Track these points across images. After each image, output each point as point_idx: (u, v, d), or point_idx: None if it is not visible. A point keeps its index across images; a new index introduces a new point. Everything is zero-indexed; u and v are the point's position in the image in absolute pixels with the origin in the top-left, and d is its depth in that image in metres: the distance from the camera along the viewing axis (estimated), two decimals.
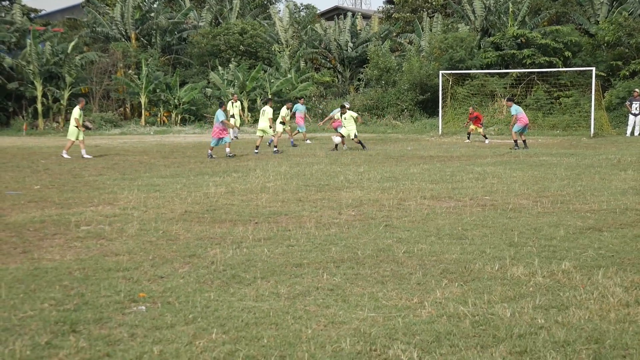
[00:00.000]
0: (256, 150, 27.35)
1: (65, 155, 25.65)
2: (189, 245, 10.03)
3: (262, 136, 28.12)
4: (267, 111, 27.31)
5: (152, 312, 6.92)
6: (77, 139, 26.16)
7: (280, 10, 63.38)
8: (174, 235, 10.78)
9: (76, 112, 26.31)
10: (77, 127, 26.07)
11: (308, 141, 32.81)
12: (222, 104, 26.62)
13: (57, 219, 12.42)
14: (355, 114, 28.55)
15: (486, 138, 32.00)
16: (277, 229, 11.19)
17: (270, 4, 73.03)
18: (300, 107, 33.62)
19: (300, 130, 33.46)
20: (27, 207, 13.88)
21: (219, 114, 25.75)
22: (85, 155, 25.42)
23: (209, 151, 25.54)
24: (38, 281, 8.03)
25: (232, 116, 36.16)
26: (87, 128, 26.47)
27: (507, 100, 31.11)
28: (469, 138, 32.70)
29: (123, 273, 8.41)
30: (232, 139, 35.15)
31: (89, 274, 8.40)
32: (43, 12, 76.20)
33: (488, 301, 7.29)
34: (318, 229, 11.22)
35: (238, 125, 36.39)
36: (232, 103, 36.89)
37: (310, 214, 12.69)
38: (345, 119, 27.83)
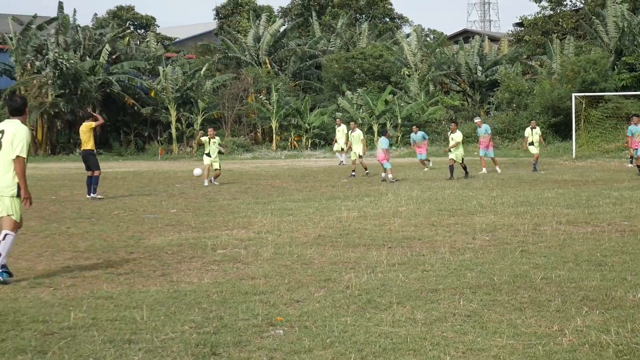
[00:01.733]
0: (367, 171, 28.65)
1: (213, 183, 25.57)
2: (324, 269, 10.07)
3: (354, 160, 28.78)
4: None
5: (289, 336, 6.96)
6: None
7: (408, 35, 63.30)
8: (308, 259, 10.85)
9: (204, 139, 25.86)
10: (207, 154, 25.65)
11: (426, 169, 31.66)
12: (385, 132, 27.11)
13: (194, 242, 12.68)
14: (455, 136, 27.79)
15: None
16: (411, 254, 11.12)
17: (397, 29, 73.16)
18: (415, 136, 32.46)
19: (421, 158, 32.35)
20: (165, 231, 14.23)
21: (383, 141, 25.92)
22: (206, 183, 25.29)
23: (383, 174, 25.77)
24: (178, 304, 8.19)
25: (336, 141, 36.41)
26: (220, 153, 26.68)
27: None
28: (631, 162, 31.14)
29: (260, 297, 8.50)
30: (342, 163, 35.23)
31: (226, 297, 8.52)
32: (177, 40, 78.35)
33: (631, 330, 7.05)
34: (452, 254, 11.10)
35: (341, 149, 36.17)
36: (337, 127, 36.97)
37: (444, 239, 12.58)
38: (452, 138, 27.06)
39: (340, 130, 36.29)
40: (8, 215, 9.51)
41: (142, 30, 79.36)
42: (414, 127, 34.25)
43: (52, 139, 55.24)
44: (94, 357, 6.36)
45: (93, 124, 21.22)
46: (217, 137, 25.97)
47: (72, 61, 52.01)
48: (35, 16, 55.93)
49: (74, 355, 6.42)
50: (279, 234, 13.46)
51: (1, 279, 9.28)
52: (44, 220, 16.02)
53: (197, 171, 26.00)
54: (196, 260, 11.00)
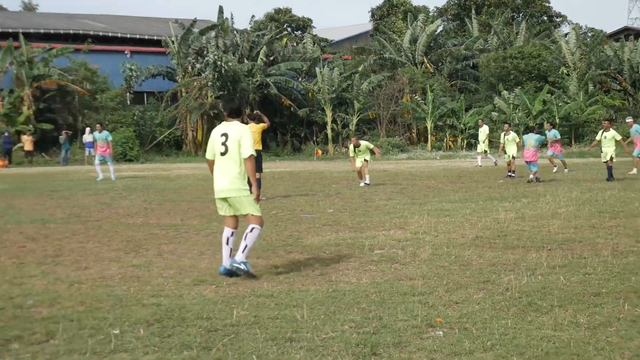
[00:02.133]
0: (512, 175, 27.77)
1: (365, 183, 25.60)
2: (482, 271, 9.95)
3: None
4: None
5: (449, 337, 6.91)
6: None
7: (566, 34, 61.78)
8: (466, 260, 10.74)
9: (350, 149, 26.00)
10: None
11: (566, 170, 30.43)
12: (534, 129, 26.71)
13: (351, 242, 12.77)
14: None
15: None
16: (572, 256, 10.85)
17: (555, 27, 71.52)
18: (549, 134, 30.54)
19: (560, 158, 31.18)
20: (322, 230, 14.38)
21: (535, 138, 25.24)
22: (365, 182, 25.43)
23: (531, 176, 25.20)
24: (337, 303, 8.26)
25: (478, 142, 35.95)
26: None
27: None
28: None
29: (418, 297, 8.47)
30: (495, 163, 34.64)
31: (385, 297, 8.53)
32: (332, 41, 79.03)
33: None
34: (615, 257, 10.76)
35: (483, 150, 35.60)
36: (480, 128, 36.39)
37: (606, 242, 12.21)
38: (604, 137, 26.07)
39: (482, 132, 35.84)
40: (252, 214, 9.85)
41: (299, 32, 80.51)
42: (548, 124, 32.61)
43: None
44: (257, 355, 6.48)
45: (265, 125, 21.38)
46: (362, 142, 25.90)
47: (230, 63, 53.28)
48: (195, 20, 57.58)
49: (237, 352, 6.57)
50: (435, 234, 13.39)
51: (244, 268, 9.63)
52: (205, 219, 16.47)
53: None
54: (354, 260, 11.06)
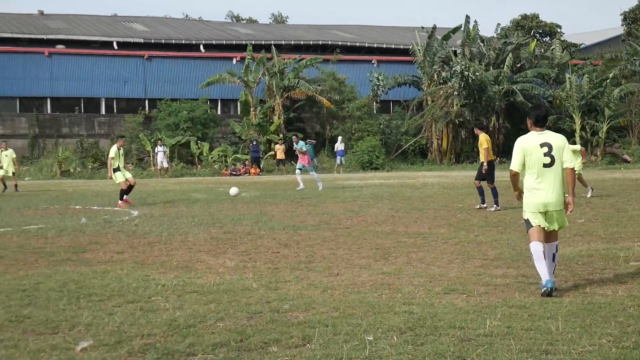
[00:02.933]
0: None
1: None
2: None
3: None
4: None
5: None
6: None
7: None
8: None
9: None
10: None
11: None
12: None
13: (604, 253, 12.33)
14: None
15: None
16: None
17: None
18: None
19: None
20: (574, 241, 13.97)
21: None
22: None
23: None
24: (592, 316, 7.99)
25: None
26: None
27: None
28: None
29: None
30: None
31: None
32: (582, 46, 76.75)
33: None
34: None
35: None
36: None
37: None
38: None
39: None
40: (559, 229, 9.72)
41: (547, 38, 78.73)
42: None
43: (457, 147, 56.62)
44: None
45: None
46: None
47: (477, 73, 52.97)
48: (434, 27, 57.74)
49: None
50: None
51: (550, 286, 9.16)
52: (452, 228, 16.43)
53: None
54: (608, 271, 10.67)
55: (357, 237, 15.09)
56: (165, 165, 49.95)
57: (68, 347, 7.13)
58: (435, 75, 57.86)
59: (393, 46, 66.75)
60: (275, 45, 59.63)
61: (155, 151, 51.17)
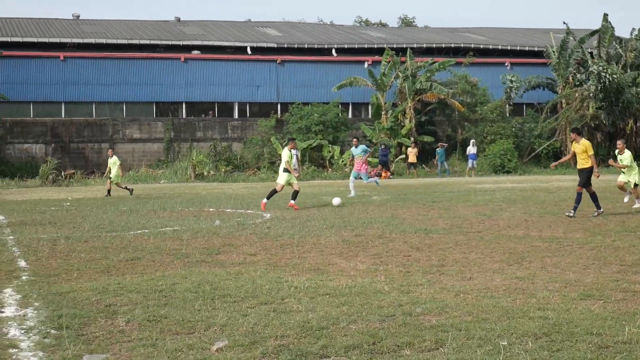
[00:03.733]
0: None
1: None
2: None
3: None
4: None
5: None
6: None
7: None
8: None
9: None
10: None
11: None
12: None
13: None
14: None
15: None
16: None
17: None
18: None
19: None
20: None
21: None
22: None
23: None
24: None
25: None
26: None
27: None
28: None
29: None
30: None
31: None
32: None
33: None
34: None
35: None
36: None
37: None
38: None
39: None
40: None
41: None
42: None
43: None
44: None
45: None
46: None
47: (615, 75, 51.59)
48: (568, 29, 56.56)
49: None
50: None
51: None
52: (588, 233, 16.04)
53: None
54: None
55: (490, 241, 14.89)
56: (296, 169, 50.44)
57: (204, 347, 7.27)
58: (570, 78, 56.65)
59: (527, 48, 65.68)
60: (407, 48, 59.56)
61: None
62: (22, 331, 8.00)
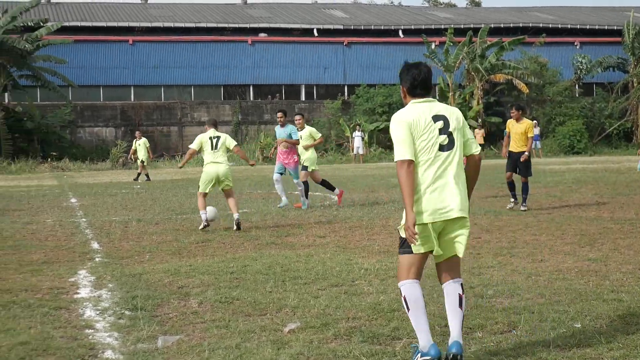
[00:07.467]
0: None
1: None
2: None
3: None
4: None
5: None
6: None
7: None
8: None
9: None
10: None
11: None
12: None
13: None
14: None
15: None
16: None
17: None
18: None
19: None
20: None
21: None
22: None
23: None
24: None
25: None
26: None
27: None
28: None
29: None
30: None
31: None
32: None
33: None
34: None
35: None
36: None
37: None
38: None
39: None
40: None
41: None
42: None
43: None
44: None
45: None
46: None
47: None
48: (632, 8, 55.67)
49: None
50: None
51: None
52: None
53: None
54: None
55: (561, 223, 14.72)
56: (361, 151, 50.35)
57: (276, 328, 7.32)
58: None
59: (597, 27, 64.56)
60: (474, 29, 58.95)
61: (353, 136, 51.74)
62: (97, 312, 8.15)
